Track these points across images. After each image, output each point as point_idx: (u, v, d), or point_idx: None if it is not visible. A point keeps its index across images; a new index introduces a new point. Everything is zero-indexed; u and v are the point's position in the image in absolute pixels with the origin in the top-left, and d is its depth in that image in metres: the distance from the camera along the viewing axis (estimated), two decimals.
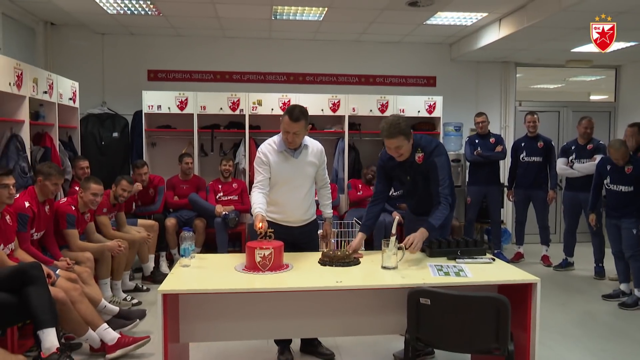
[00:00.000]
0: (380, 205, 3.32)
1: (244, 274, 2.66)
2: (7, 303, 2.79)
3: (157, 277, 5.05)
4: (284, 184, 3.11)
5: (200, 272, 2.74)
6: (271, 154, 3.10)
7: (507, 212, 7.03)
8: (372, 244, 5.60)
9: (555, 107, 7.58)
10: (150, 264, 5.07)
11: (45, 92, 4.74)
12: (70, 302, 3.12)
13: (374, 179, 6.10)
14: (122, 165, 6.36)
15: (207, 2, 5.14)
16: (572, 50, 6.33)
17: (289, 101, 6.16)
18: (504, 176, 6.52)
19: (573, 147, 5.60)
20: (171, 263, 5.52)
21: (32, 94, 4.48)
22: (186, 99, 6.13)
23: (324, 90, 6.61)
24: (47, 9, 5.62)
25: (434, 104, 6.43)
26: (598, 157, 5.31)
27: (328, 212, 3.44)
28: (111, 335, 3.27)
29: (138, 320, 3.75)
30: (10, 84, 4.12)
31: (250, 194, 5.93)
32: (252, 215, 2.96)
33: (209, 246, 5.69)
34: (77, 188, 4.65)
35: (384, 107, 6.36)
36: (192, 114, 6.13)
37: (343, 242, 3.94)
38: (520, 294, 2.61)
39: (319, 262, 2.87)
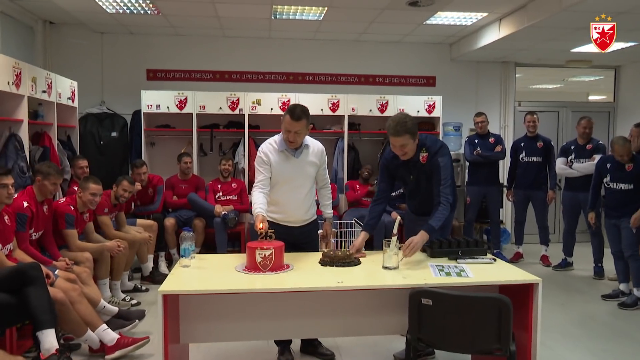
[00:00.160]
0: (383, 204, 3.31)
1: (244, 274, 2.65)
2: (6, 304, 2.78)
3: (156, 277, 5.04)
4: (284, 184, 3.10)
5: (201, 273, 2.72)
6: (272, 154, 3.09)
7: (507, 212, 7.03)
8: (372, 244, 5.61)
9: (555, 107, 7.58)
10: (149, 264, 5.06)
11: (44, 92, 4.72)
12: (69, 302, 3.10)
13: (370, 176, 6.16)
14: (121, 165, 6.34)
15: (207, 1, 5.13)
16: (571, 51, 6.33)
17: (289, 101, 6.16)
18: (503, 176, 6.52)
19: (572, 147, 5.60)
20: (170, 263, 5.51)
21: (30, 93, 4.47)
22: (185, 99, 6.11)
23: (324, 90, 6.61)
24: (46, 8, 5.60)
25: (434, 103, 6.43)
26: (597, 157, 5.31)
27: (328, 212, 3.43)
28: (110, 335, 3.26)
29: (137, 320, 3.73)
30: (9, 83, 4.10)
31: (250, 193, 5.96)
32: (252, 215, 2.95)
33: (208, 246, 5.67)
34: (75, 188, 4.63)
35: (383, 107, 6.36)
36: (191, 114, 6.12)
37: (343, 242, 3.93)
38: (521, 294, 2.60)
39: (319, 262, 2.86)
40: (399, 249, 2.79)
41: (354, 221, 5.41)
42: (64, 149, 5.18)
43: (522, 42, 5.90)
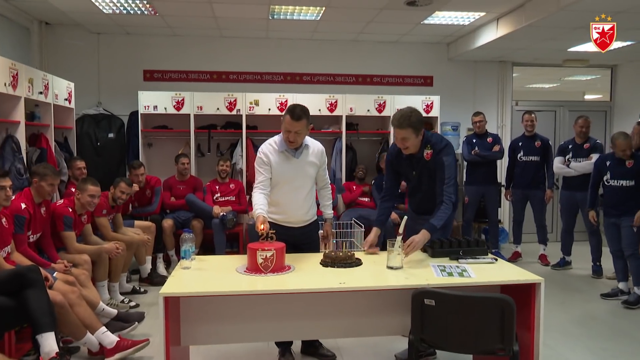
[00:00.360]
0: (391, 200, 3.38)
1: (245, 276, 2.63)
2: (5, 307, 2.75)
3: (154, 278, 5.02)
4: (285, 184, 3.09)
5: (202, 274, 2.70)
6: (272, 154, 3.07)
7: (504, 211, 7.04)
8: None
9: (552, 106, 7.60)
10: (148, 266, 5.03)
11: (41, 93, 4.69)
12: (68, 305, 3.08)
13: (365, 176, 6.17)
14: (118, 166, 6.31)
15: (204, 1, 5.11)
16: (569, 50, 6.34)
17: (286, 101, 6.15)
18: (501, 176, 6.53)
19: (570, 146, 5.61)
20: (168, 265, 5.49)
21: (27, 95, 4.44)
22: (183, 99, 6.09)
23: (322, 90, 6.60)
24: (42, 8, 5.57)
25: (431, 103, 6.43)
26: (595, 156, 5.33)
27: (329, 212, 3.42)
28: (110, 338, 3.23)
29: (137, 323, 3.69)
30: (5, 84, 4.08)
31: (248, 194, 5.92)
32: (250, 216, 2.94)
33: (206, 247, 5.65)
34: (73, 189, 4.61)
35: (381, 107, 6.35)
36: (189, 114, 6.09)
37: (344, 243, 3.92)
38: (523, 294, 2.60)
39: (320, 263, 2.85)
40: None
41: (353, 221, 5.41)
42: (61, 151, 5.15)
43: (520, 41, 5.91)
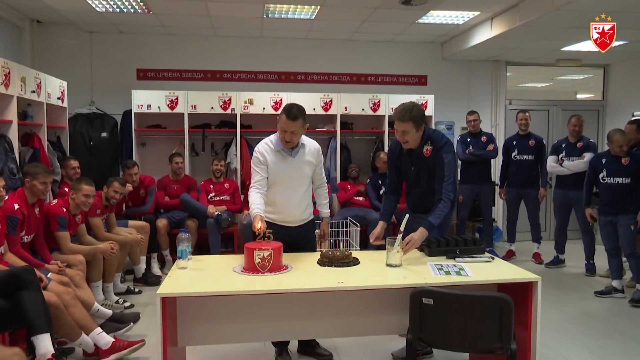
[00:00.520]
0: (396, 194, 3.43)
1: (243, 276, 2.62)
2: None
3: (149, 278, 4.99)
4: (281, 184, 3.08)
5: (199, 274, 2.69)
6: (268, 154, 3.06)
7: (498, 210, 7.07)
8: (366, 243, 5.61)
9: (545, 105, 7.63)
10: (142, 266, 5.00)
11: (34, 92, 4.65)
12: (63, 306, 3.05)
13: (359, 175, 6.17)
14: (111, 166, 6.26)
15: (199, 0, 5.08)
16: (562, 49, 6.37)
17: (281, 100, 6.13)
18: (495, 174, 6.55)
19: (563, 145, 5.64)
20: (163, 264, 5.46)
21: (20, 94, 4.39)
22: (176, 98, 6.05)
23: (316, 89, 6.58)
24: (33, 7, 5.51)
25: (426, 102, 6.43)
26: (587, 155, 5.37)
27: (325, 211, 3.43)
28: (105, 339, 3.21)
29: (132, 323, 3.67)
30: None
31: (242, 193, 5.91)
32: (243, 217, 2.93)
33: (201, 247, 5.63)
34: (66, 189, 4.58)
35: (376, 106, 6.35)
36: (183, 114, 6.06)
37: (342, 242, 3.91)
38: (520, 292, 2.61)
39: (317, 262, 2.84)
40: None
41: (348, 220, 5.41)
42: (53, 150, 5.11)
43: (514, 41, 5.93)
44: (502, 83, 7.31)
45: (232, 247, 5.86)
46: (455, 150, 6.18)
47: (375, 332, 3.00)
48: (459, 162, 6.27)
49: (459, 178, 6.30)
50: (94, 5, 5.30)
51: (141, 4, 5.24)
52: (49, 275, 3.25)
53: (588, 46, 6.15)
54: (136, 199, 5.46)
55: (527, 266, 5.60)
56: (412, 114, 3.02)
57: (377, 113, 6.36)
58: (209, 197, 5.78)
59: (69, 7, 5.45)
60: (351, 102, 6.30)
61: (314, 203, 3.38)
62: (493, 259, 2.97)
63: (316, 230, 3.39)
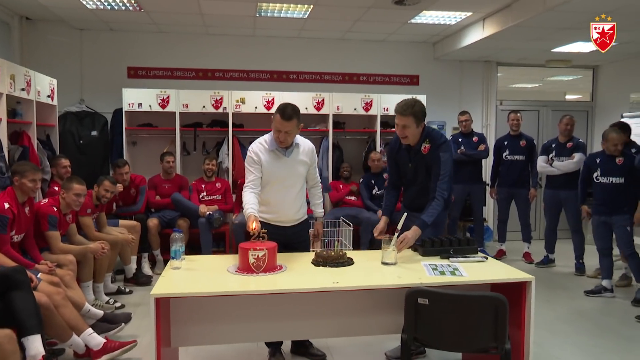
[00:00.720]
0: (396, 190, 3.47)
1: (237, 276, 2.60)
2: None
3: (139, 278, 4.95)
4: (275, 183, 3.07)
5: (193, 275, 2.67)
6: (262, 153, 3.05)
7: (489, 209, 7.11)
8: (358, 242, 5.62)
9: (535, 106, 7.69)
10: (133, 266, 4.95)
11: (23, 89, 4.58)
12: (53, 306, 3.01)
13: (351, 175, 6.17)
14: (101, 165, 6.20)
15: None
16: (552, 50, 6.42)
17: (273, 99, 6.12)
18: (485, 174, 6.59)
19: (554, 145, 5.68)
20: (154, 264, 5.42)
21: (9, 91, 4.33)
22: (168, 97, 6.01)
23: (308, 88, 6.57)
24: (22, 3, 5.44)
25: None
26: (577, 155, 5.42)
27: (319, 211, 3.42)
28: (96, 340, 3.17)
29: (123, 324, 3.64)
30: None
31: (234, 193, 5.87)
32: (234, 217, 2.92)
33: (192, 247, 5.58)
34: (56, 188, 4.53)
35: (368, 106, 6.35)
36: (174, 112, 6.02)
37: (337, 242, 3.92)
38: (513, 292, 2.62)
39: (312, 262, 2.84)
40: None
41: (341, 220, 5.41)
42: (43, 149, 5.04)
43: (505, 41, 5.96)
44: (493, 83, 7.35)
45: (224, 246, 5.83)
46: None
47: (370, 332, 3.00)
48: None
49: None
50: (84, 2, 5.24)
51: (132, 1, 5.19)
52: (39, 276, 3.20)
53: (578, 47, 6.21)
54: (127, 198, 5.41)
55: (517, 266, 5.57)
56: (414, 109, 3.07)
57: (370, 113, 6.36)
58: (200, 196, 5.74)
59: (59, 4, 5.38)
60: (343, 102, 6.30)
61: (308, 203, 3.37)
62: (487, 258, 2.98)
63: (310, 230, 3.38)
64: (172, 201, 5.52)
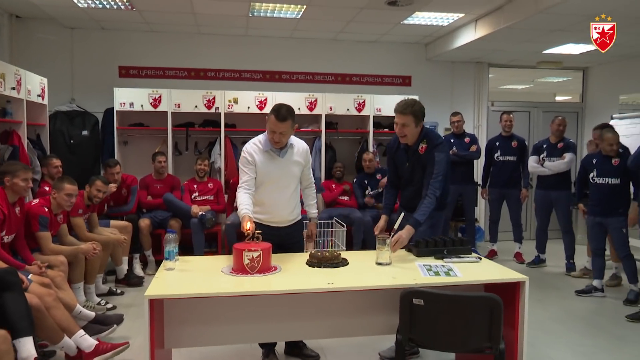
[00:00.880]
0: (396, 189, 3.53)
1: (231, 277, 2.59)
2: None
3: (131, 279, 4.91)
4: (270, 184, 3.06)
5: (187, 276, 2.65)
6: (257, 154, 3.04)
7: (481, 210, 7.15)
8: (351, 243, 5.62)
9: (526, 107, 7.74)
10: (124, 267, 4.91)
11: (13, 88, 4.52)
12: (44, 308, 2.98)
13: (344, 175, 6.18)
14: (92, 165, 6.15)
15: None
16: (543, 52, 6.46)
17: (266, 99, 6.11)
18: (477, 175, 6.62)
19: (545, 146, 5.72)
20: (145, 265, 5.38)
21: None
22: (160, 97, 5.97)
23: (301, 88, 6.57)
24: (12, 1, 5.39)
25: None
26: (568, 156, 5.47)
27: (313, 212, 3.40)
28: (88, 342, 3.14)
29: (115, 325, 3.61)
30: None
31: (226, 193, 5.85)
32: (226, 217, 2.91)
33: (184, 247, 5.54)
34: (47, 188, 4.48)
35: (360, 107, 6.36)
36: (166, 112, 5.99)
37: (331, 243, 3.91)
38: (506, 292, 2.63)
39: (306, 263, 2.83)
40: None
41: (334, 221, 5.41)
42: (33, 148, 4.98)
43: (497, 43, 5.99)
44: (485, 84, 7.39)
45: (216, 247, 5.81)
46: None
47: (364, 332, 3.00)
48: None
49: None
50: (75, 1, 5.19)
51: (124, 0, 5.15)
52: (30, 277, 3.16)
53: (569, 49, 6.26)
54: (118, 198, 5.37)
55: (509, 266, 5.57)
56: (414, 108, 3.15)
57: (362, 113, 6.37)
58: (192, 196, 5.71)
59: (49, 2, 5.33)
60: (336, 102, 6.30)
61: (302, 203, 3.37)
62: (480, 259, 3.00)
63: (304, 230, 3.37)
64: (164, 201, 5.49)
